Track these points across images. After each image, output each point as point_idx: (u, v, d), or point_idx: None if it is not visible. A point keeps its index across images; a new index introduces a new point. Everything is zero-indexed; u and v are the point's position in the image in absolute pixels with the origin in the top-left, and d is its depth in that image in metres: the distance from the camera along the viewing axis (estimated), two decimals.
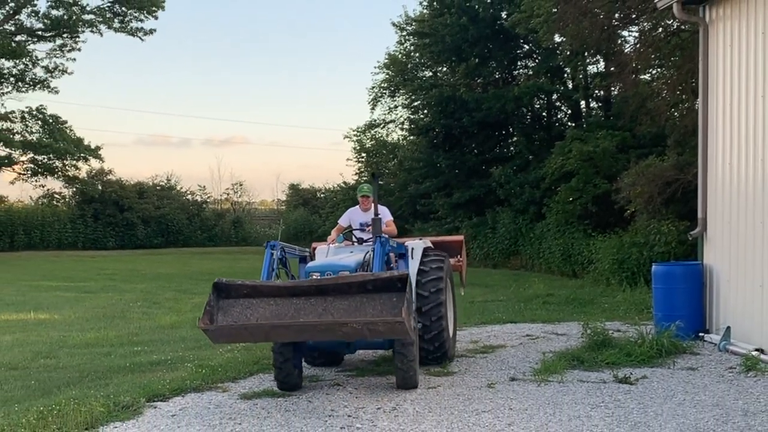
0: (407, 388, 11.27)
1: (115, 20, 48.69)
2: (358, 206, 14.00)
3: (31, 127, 49.27)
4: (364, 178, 50.95)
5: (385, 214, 13.56)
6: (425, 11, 41.70)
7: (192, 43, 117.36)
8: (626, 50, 27.97)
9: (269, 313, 10.33)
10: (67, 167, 51.24)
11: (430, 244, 13.72)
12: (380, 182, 48.20)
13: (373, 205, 13.15)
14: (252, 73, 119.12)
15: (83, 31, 49.03)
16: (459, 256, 15.11)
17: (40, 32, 48.56)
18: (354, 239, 13.44)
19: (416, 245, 13.18)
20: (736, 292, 14.23)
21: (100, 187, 56.11)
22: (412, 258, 12.82)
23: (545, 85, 37.55)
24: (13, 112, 49.09)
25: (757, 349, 12.96)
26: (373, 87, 48.44)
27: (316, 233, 48.93)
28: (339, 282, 10.62)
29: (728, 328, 14.11)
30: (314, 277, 11.29)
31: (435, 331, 12.48)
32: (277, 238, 12.67)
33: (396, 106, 48.43)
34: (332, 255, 12.69)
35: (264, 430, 9.54)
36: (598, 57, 33.46)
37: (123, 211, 56.63)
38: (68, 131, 49.73)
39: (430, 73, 44.17)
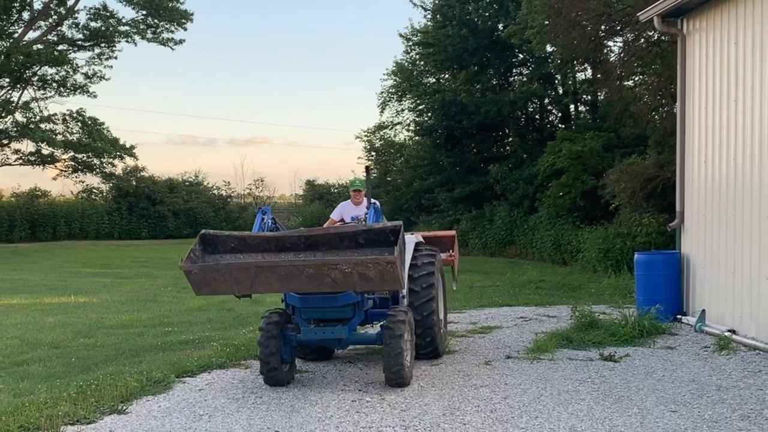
0: (395, 384, 10.10)
1: (148, 31, 48.67)
2: (349, 200, 13.22)
3: (71, 128, 49.29)
4: (374, 175, 50.94)
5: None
6: (429, 23, 41.63)
7: (218, 52, 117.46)
8: (611, 59, 27.92)
9: None
10: (104, 165, 51.26)
11: (421, 239, 12.53)
12: (389, 178, 48.31)
13: (365, 199, 12.30)
14: (272, 79, 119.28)
15: (119, 41, 49.11)
16: (451, 251, 14.06)
17: (80, 42, 48.59)
18: None
19: (408, 240, 11.62)
20: (711, 278, 14.24)
21: (134, 183, 56.11)
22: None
23: (538, 91, 37.55)
24: (56, 114, 49.17)
25: (729, 330, 12.98)
26: (382, 92, 48.49)
27: None
28: (330, 233, 9.94)
29: (703, 311, 14.12)
30: None
31: (429, 337, 11.56)
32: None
33: (402, 110, 48.45)
34: None
35: (282, 402, 9.57)
36: (586, 65, 33.37)
37: (155, 204, 56.65)
38: (105, 132, 49.73)
39: (434, 80, 44.10)
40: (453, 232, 14.91)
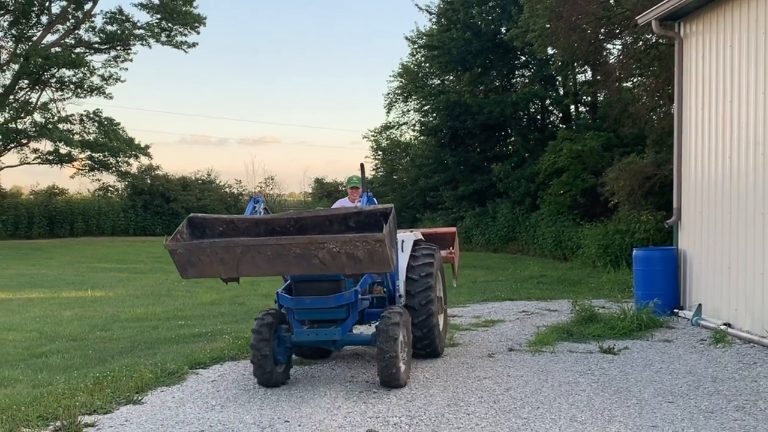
0: (390, 386, 9.61)
1: (162, 35, 48.60)
2: (346, 198, 13.05)
3: (88, 129, 49.25)
4: (381, 174, 50.92)
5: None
6: (434, 27, 41.60)
7: (229, 54, 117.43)
8: (611, 61, 27.89)
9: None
10: (120, 163, 51.22)
11: (420, 236, 11.95)
12: (395, 176, 48.31)
13: (360, 194, 11.45)
14: (282, 80, 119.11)
15: (134, 44, 49.05)
16: (451, 248, 13.46)
17: (96, 45, 48.56)
18: None
19: (406, 237, 11.42)
20: (707, 273, 14.22)
21: (148, 181, 56.05)
22: (402, 251, 11.07)
23: (539, 92, 37.56)
24: (73, 115, 49.09)
25: (724, 324, 12.98)
26: (389, 93, 48.47)
27: None
28: (320, 216, 9.54)
29: (699, 305, 14.11)
30: None
31: (427, 339, 11.05)
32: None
33: (408, 110, 48.39)
34: None
35: (292, 393, 9.59)
36: (586, 67, 33.36)
37: (169, 201, 56.60)
38: (121, 132, 49.68)
39: (439, 81, 44.06)
40: (453, 229, 14.30)
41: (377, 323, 9.92)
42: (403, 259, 11.00)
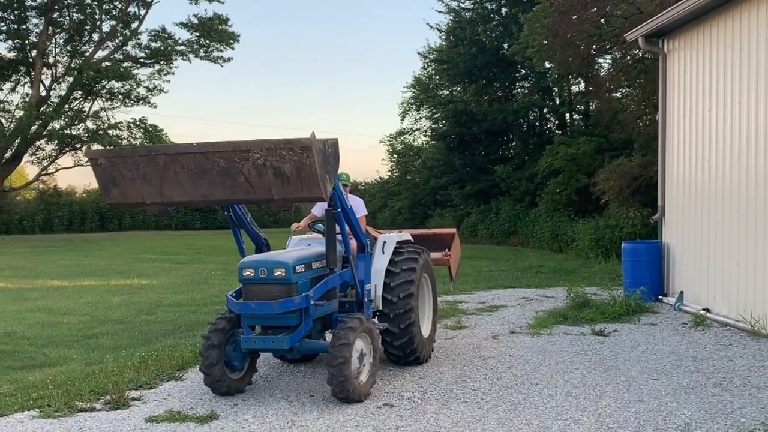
0: (340, 399, 8.00)
1: (201, 51, 48.70)
2: None
3: (135, 134, 49.33)
4: (396, 174, 50.87)
5: (359, 207, 9.74)
6: (443, 43, 41.55)
7: (259, 68, 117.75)
8: (602, 74, 27.87)
9: None
10: None
11: (408, 237, 10.21)
12: (409, 177, 48.27)
13: (350, 195, 9.48)
14: (307, 90, 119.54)
15: (176, 59, 49.17)
16: (447, 250, 11.53)
17: (142, 60, 48.73)
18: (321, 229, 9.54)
19: (389, 239, 9.74)
20: (688, 263, 14.21)
21: None
22: (383, 253, 9.56)
23: (538, 101, 37.45)
24: (121, 122, 49.19)
25: (704, 309, 12.97)
26: (403, 102, 48.41)
27: None
28: (256, 144, 7.23)
29: (682, 292, 14.10)
30: (246, 274, 8.26)
31: (408, 348, 9.45)
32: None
33: (420, 118, 48.28)
34: (291, 246, 9.90)
35: (316, 371, 9.61)
36: (580, 79, 33.33)
37: None
38: (164, 137, 49.80)
39: (447, 92, 43.95)
40: (453, 230, 12.30)
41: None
42: (380, 262, 9.50)
